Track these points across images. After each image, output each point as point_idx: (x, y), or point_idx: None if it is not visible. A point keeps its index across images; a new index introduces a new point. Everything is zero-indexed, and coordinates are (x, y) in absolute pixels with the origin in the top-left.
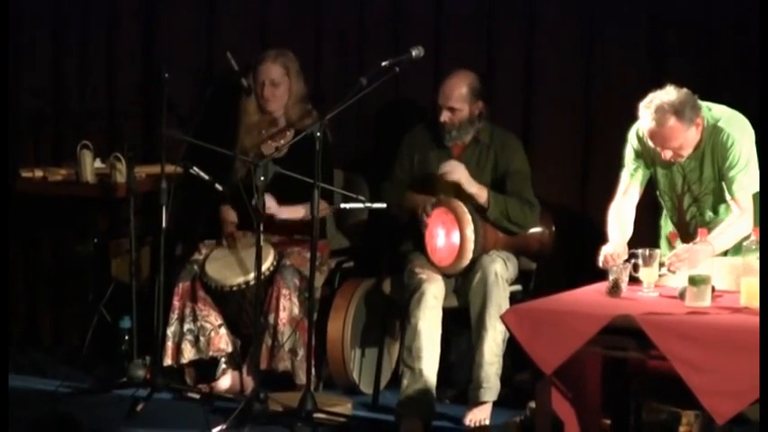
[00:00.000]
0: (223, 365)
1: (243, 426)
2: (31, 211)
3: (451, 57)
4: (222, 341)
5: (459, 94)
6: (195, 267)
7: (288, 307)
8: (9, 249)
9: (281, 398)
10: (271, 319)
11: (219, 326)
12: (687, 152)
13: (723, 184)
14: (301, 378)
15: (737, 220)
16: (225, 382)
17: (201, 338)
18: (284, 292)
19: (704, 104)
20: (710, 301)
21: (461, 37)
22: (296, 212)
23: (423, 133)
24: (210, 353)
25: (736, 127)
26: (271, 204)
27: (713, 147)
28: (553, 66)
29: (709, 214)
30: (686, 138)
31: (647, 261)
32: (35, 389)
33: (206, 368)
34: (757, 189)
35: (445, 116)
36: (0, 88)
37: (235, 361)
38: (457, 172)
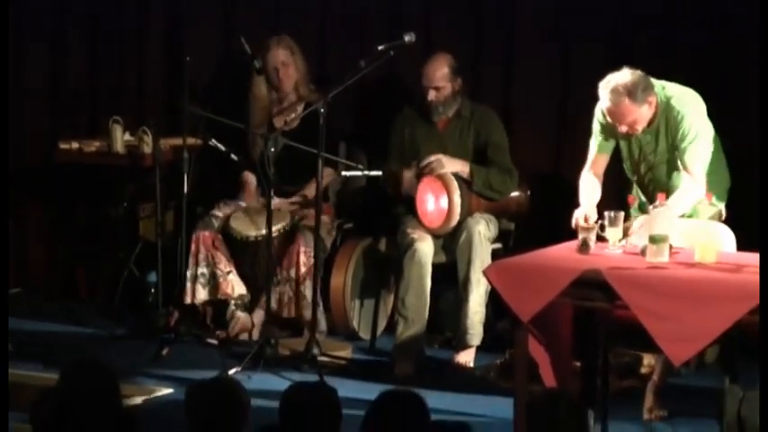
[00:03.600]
0: (232, 307)
1: (255, 367)
2: (69, 179)
3: (440, 42)
4: (229, 287)
5: (442, 74)
6: (213, 220)
7: (306, 262)
8: (51, 213)
9: (290, 343)
10: (292, 272)
11: (228, 272)
12: (641, 126)
13: (676, 154)
14: (322, 325)
15: (691, 187)
16: (236, 322)
17: (212, 281)
18: (304, 249)
19: (658, 83)
20: (668, 257)
21: (449, 24)
22: (306, 191)
23: (411, 112)
24: (219, 295)
25: (687, 103)
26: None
27: (667, 122)
28: (532, 47)
29: (663, 180)
30: (639, 114)
31: (613, 222)
32: (73, 335)
33: (223, 311)
34: (708, 159)
35: (431, 95)
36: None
37: (245, 305)
38: (440, 163)
